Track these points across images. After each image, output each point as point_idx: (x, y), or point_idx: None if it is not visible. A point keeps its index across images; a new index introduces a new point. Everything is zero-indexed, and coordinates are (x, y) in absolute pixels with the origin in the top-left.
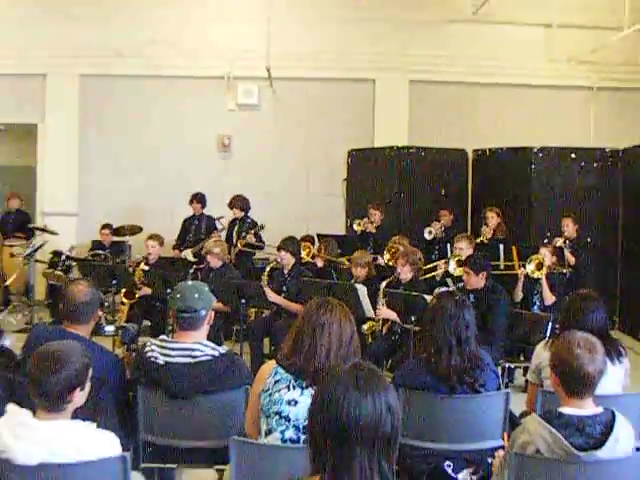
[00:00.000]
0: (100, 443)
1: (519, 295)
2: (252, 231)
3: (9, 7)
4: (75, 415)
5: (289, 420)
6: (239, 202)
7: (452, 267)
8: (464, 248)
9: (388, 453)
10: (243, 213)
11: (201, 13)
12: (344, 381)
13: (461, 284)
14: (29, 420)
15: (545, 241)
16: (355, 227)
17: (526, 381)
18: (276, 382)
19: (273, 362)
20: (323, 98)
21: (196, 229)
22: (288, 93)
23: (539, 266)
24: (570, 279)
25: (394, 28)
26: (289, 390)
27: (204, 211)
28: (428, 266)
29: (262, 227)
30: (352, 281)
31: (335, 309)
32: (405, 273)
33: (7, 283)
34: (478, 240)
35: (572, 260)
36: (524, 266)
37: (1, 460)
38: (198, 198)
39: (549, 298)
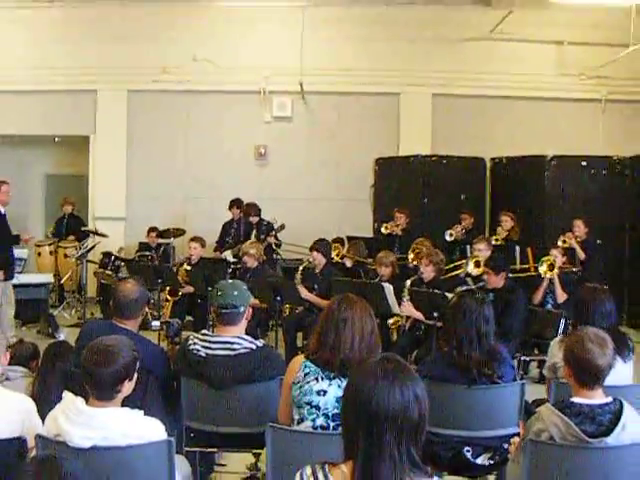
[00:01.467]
0: (147, 429)
1: (539, 297)
2: (272, 233)
3: (63, 29)
4: (124, 403)
5: (319, 409)
6: (252, 209)
7: (470, 267)
8: (482, 250)
9: (416, 440)
10: (258, 218)
11: (239, 32)
12: (374, 372)
13: (482, 283)
14: (82, 407)
15: (558, 243)
16: (382, 230)
17: (540, 373)
18: (305, 374)
19: (302, 356)
20: (352, 110)
21: (235, 232)
22: (319, 106)
23: (551, 267)
24: (581, 278)
25: (417, 46)
26: (318, 381)
27: (242, 215)
28: (450, 266)
29: (282, 227)
30: (377, 279)
31: (355, 305)
32: (428, 272)
33: (62, 282)
34: (492, 241)
35: (582, 255)
36: (537, 268)
37: (57, 443)
38: (237, 204)
39: (561, 296)
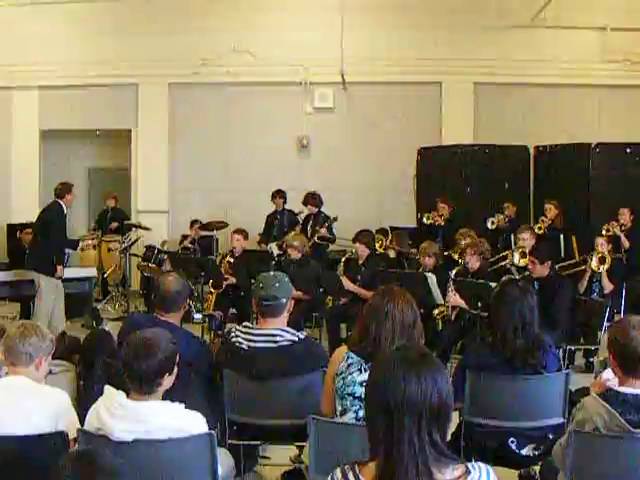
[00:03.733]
0: (188, 422)
1: (584, 286)
2: (325, 224)
3: (103, 23)
4: (166, 396)
5: (362, 400)
6: (312, 199)
7: (516, 259)
8: (527, 239)
9: (439, 424)
10: (317, 209)
11: (278, 23)
12: (390, 361)
13: (527, 273)
14: (124, 400)
15: (603, 233)
16: (424, 220)
17: (586, 362)
18: (348, 366)
19: (345, 347)
20: (394, 100)
21: (279, 223)
22: (361, 96)
23: (601, 260)
24: (627, 267)
25: (459, 34)
26: (361, 372)
27: (285, 206)
28: (495, 258)
29: (335, 219)
30: (420, 270)
31: (397, 297)
32: (473, 262)
33: (105, 275)
34: (536, 229)
35: (627, 244)
36: (586, 261)
37: (99, 436)
38: (280, 195)
39: (608, 287)
